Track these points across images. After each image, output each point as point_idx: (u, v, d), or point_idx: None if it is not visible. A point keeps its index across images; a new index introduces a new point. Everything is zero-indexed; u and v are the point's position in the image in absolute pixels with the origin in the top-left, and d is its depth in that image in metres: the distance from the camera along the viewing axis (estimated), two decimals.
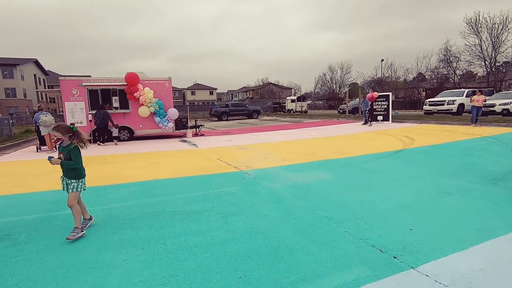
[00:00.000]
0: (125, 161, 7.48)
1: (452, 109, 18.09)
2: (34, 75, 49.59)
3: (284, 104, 42.03)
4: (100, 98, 11.83)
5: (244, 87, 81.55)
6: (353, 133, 11.97)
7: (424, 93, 39.43)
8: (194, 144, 10.49)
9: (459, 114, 17.80)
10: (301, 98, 37.33)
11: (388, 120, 15.95)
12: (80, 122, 11.60)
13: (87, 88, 11.59)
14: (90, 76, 12.20)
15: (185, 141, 11.84)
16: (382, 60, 41.17)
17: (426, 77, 40.05)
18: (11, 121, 15.50)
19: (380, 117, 16.23)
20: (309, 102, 45.70)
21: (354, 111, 25.52)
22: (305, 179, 5.16)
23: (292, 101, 37.31)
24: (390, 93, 16.52)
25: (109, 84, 11.91)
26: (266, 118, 28.47)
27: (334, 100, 49.05)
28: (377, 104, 16.41)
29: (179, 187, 4.87)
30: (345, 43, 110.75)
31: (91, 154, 8.74)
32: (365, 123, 15.15)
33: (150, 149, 9.64)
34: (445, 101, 18.66)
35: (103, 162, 7.28)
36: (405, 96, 40.63)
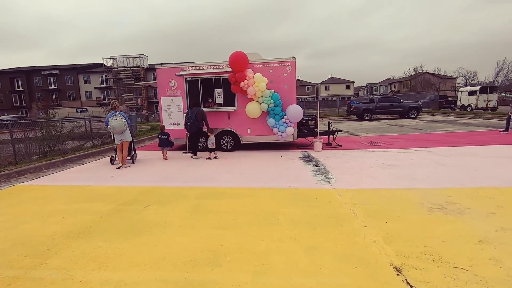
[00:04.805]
0: (171, 223, 3.44)
1: None
2: None
3: (452, 99, 30.28)
4: (200, 91, 8.74)
5: (388, 79, 68.78)
6: None
7: None
8: (324, 173, 5.58)
9: None
10: (487, 89, 25.19)
11: None
12: (176, 124, 8.92)
13: (185, 78, 8.69)
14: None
15: (309, 159, 7.11)
16: None
17: None
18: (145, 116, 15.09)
19: None
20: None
21: None
22: None
23: (471, 93, 25.72)
24: None
25: (211, 71, 8.58)
26: (431, 118, 19.85)
27: None
28: None
29: None
30: None
31: (148, 183, 5.30)
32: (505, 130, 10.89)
33: (244, 180, 5.43)
34: None
35: (129, 226, 3.48)
36: None
